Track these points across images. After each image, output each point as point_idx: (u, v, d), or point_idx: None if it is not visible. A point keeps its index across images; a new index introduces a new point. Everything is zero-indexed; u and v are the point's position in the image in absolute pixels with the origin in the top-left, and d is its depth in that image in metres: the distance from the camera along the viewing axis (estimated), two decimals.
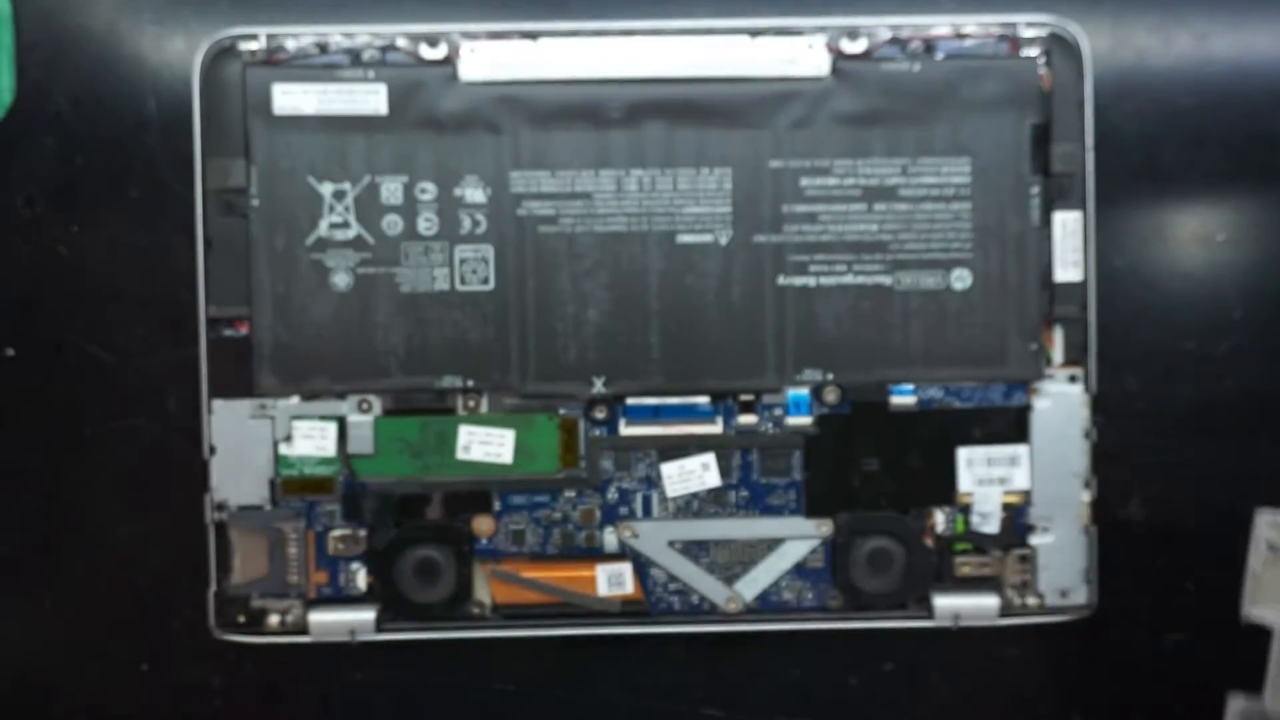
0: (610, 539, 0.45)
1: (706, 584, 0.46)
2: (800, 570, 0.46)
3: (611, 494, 0.45)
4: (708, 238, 0.44)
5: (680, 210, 0.44)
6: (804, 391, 0.45)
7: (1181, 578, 0.48)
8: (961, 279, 0.44)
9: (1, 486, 0.47)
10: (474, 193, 0.44)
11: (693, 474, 0.45)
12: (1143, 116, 0.47)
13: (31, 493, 0.46)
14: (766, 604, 0.46)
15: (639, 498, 0.45)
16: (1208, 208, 0.47)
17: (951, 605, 0.45)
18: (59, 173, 0.46)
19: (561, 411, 0.45)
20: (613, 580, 0.45)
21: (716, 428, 0.45)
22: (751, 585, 0.46)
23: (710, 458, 0.45)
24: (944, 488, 0.45)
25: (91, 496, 0.46)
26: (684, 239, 0.44)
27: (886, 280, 0.44)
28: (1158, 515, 0.47)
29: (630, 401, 0.45)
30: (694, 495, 0.45)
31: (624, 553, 0.45)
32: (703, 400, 0.45)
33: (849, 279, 0.44)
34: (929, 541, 0.45)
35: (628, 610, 0.45)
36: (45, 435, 0.46)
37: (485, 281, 0.44)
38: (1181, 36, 0.47)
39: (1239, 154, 0.47)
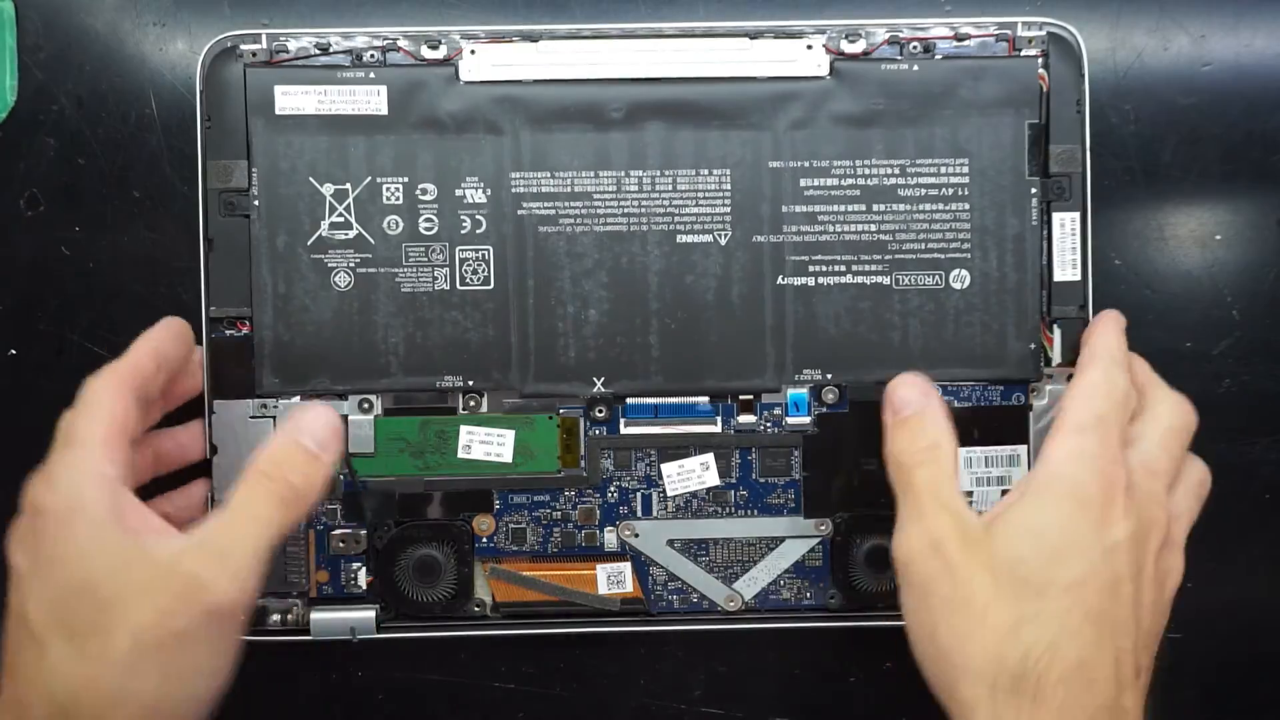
0: (610, 538, 0.45)
1: (706, 583, 0.46)
2: (799, 569, 0.46)
3: (611, 493, 0.45)
4: (707, 238, 0.44)
5: (680, 210, 0.44)
6: (803, 391, 0.45)
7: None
8: (960, 279, 0.45)
9: (3, 486, 0.47)
10: (474, 193, 0.44)
11: (692, 473, 0.45)
12: (1140, 117, 0.47)
13: None
14: (766, 603, 0.46)
15: (639, 497, 0.46)
16: (1205, 208, 0.47)
17: None
18: (62, 173, 0.46)
19: (561, 411, 0.45)
20: (612, 579, 0.45)
21: (716, 427, 0.45)
22: (751, 584, 0.46)
23: (710, 457, 0.45)
24: None
25: None
26: (684, 239, 0.44)
27: (885, 280, 0.45)
28: None
29: (630, 401, 0.45)
30: (694, 495, 0.45)
31: (624, 552, 0.46)
32: (702, 400, 0.45)
33: (848, 279, 0.45)
34: None
35: (627, 609, 0.46)
36: (47, 435, 0.46)
37: (485, 281, 0.44)
38: (1179, 37, 0.47)
39: (1236, 154, 0.47)
